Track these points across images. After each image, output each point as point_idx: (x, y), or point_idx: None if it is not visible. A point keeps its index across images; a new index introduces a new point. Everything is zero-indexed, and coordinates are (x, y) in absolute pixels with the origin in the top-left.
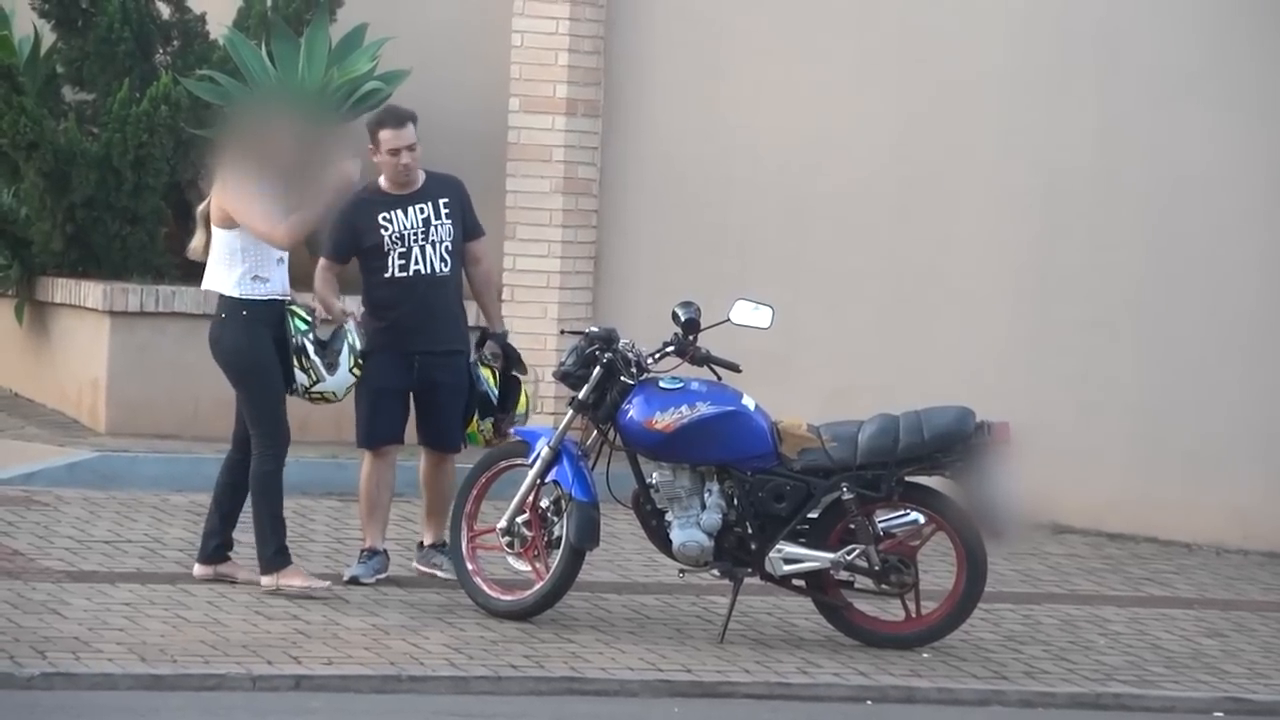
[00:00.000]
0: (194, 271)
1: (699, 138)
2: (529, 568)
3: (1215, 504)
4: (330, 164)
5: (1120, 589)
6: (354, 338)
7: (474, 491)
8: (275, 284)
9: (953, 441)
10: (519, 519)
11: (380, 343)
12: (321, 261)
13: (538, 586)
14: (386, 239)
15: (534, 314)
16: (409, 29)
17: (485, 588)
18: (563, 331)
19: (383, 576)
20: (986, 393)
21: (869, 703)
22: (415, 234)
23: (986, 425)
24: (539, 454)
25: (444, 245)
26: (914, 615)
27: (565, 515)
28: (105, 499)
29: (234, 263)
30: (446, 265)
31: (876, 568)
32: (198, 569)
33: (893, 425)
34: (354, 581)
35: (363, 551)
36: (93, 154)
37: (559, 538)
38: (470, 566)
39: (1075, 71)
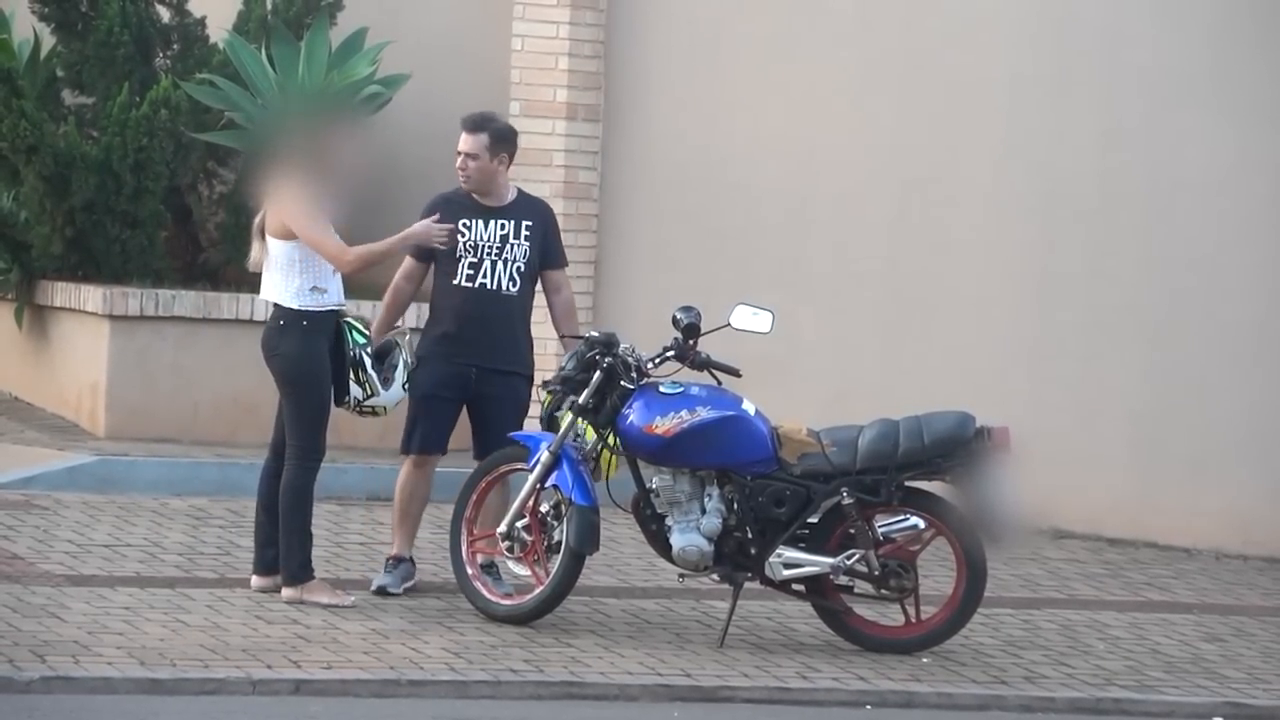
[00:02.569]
0: (193, 275)
1: (699, 142)
2: (529, 572)
3: (1215, 509)
4: (369, 161)
5: (1120, 594)
6: (408, 354)
7: (474, 496)
8: (333, 295)
9: (953, 446)
10: (519, 523)
11: (435, 350)
12: (406, 260)
13: (537, 591)
14: (462, 245)
15: (535, 318)
16: (409, 33)
17: (485, 592)
18: (562, 336)
19: (410, 585)
20: (986, 397)
21: (868, 707)
22: (490, 247)
23: (986, 430)
24: (539, 459)
25: (516, 265)
26: (913, 620)
27: (565, 520)
28: (104, 503)
29: (292, 274)
30: (515, 285)
31: (876, 572)
32: (256, 580)
33: (892, 430)
34: (381, 592)
35: (389, 560)
36: (92, 157)
37: (559, 542)
38: (470, 571)
39: (1076, 76)
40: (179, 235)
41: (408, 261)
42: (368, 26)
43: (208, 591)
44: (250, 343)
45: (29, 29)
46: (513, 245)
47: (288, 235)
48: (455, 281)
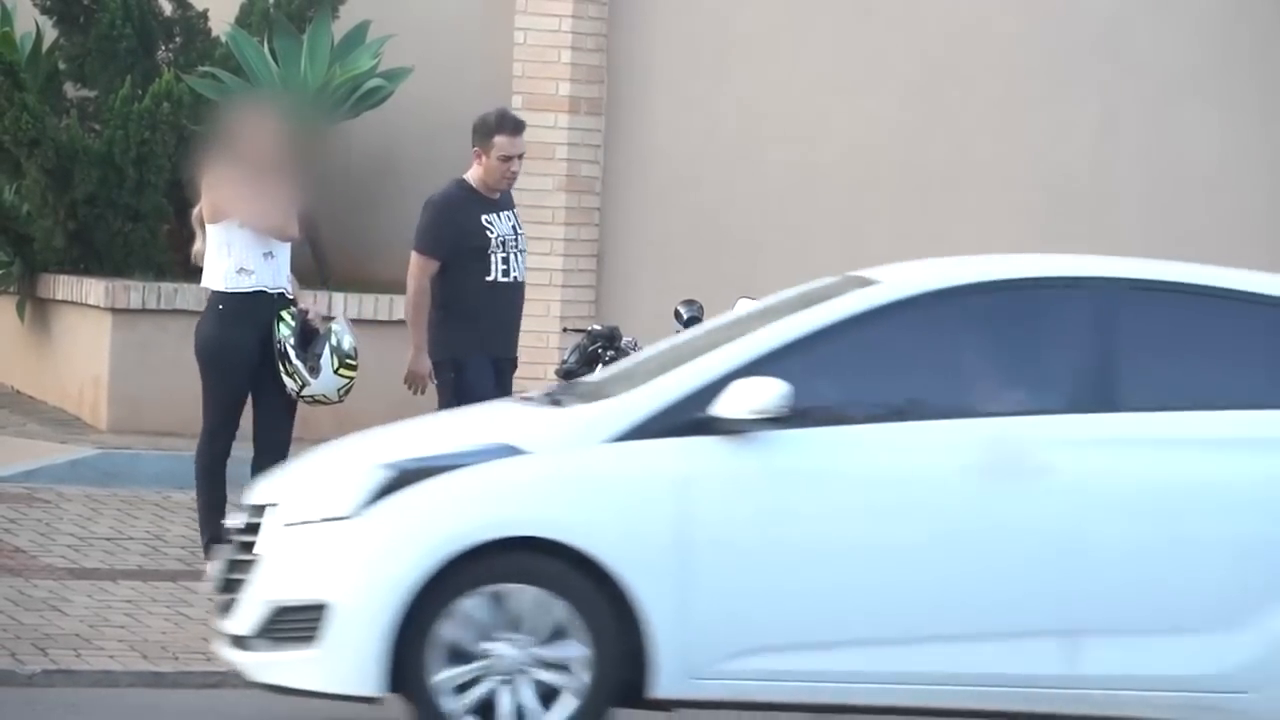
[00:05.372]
0: (195, 269)
1: (702, 135)
2: None
3: None
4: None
5: None
6: (338, 339)
7: None
8: (262, 277)
9: None
10: None
11: (473, 348)
12: (418, 259)
13: None
14: (493, 241)
15: (537, 312)
16: (411, 26)
17: None
18: (565, 329)
19: None
20: None
21: None
22: (510, 240)
23: None
24: None
25: (524, 253)
26: None
27: None
28: (107, 496)
29: (222, 256)
30: (525, 273)
31: None
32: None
33: None
34: None
35: None
36: (95, 151)
37: None
38: None
39: (1077, 70)
40: (181, 229)
41: (429, 262)
42: (370, 20)
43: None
44: None
45: (31, 22)
46: (519, 235)
47: (217, 218)
48: (490, 278)
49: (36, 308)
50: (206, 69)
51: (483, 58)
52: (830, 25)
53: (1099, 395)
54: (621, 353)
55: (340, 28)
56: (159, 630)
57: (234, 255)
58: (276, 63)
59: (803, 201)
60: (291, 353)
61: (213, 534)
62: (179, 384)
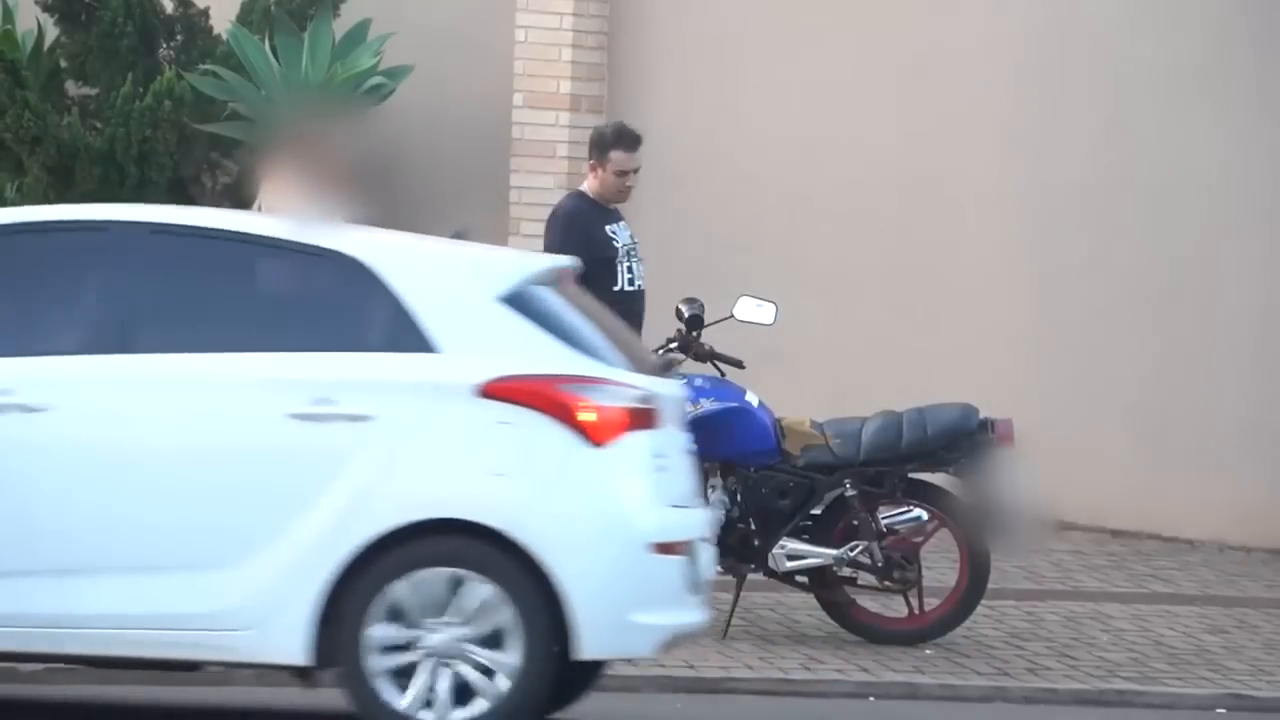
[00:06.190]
0: None
1: (703, 134)
2: None
3: (1218, 501)
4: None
5: (1123, 585)
6: None
7: None
8: None
9: (956, 438)
10: None
11: None
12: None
13: None
14: (619, 250)
15: None
16: (412, 24)
17: None
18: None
19: None
20: (990, 390)
21: (872, 699)
22: (631, 248)
23: (989, 422)
24: None
25: (642, 263)
26: (917, 612)
27: None
28: None
29: None
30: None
31: (879, 564)
32: None
33: (896, 422)
34: None
35: None
36: (96, 149)
37: None
38: None
39: (1079, 70)
40: None
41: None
42: (371, 18)
43: None
44: None
45: (32, 20)
46: (636, 243)
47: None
48: (618, 287)
49: None
50: (208, 67)
51: (484, 56)
52: (829, 24)
53: (109, 337)
54: None
55: (341, 26)
56: None
57: None
58: (278, 61)
59: (804, 199)
60: None
61: None
62: None
